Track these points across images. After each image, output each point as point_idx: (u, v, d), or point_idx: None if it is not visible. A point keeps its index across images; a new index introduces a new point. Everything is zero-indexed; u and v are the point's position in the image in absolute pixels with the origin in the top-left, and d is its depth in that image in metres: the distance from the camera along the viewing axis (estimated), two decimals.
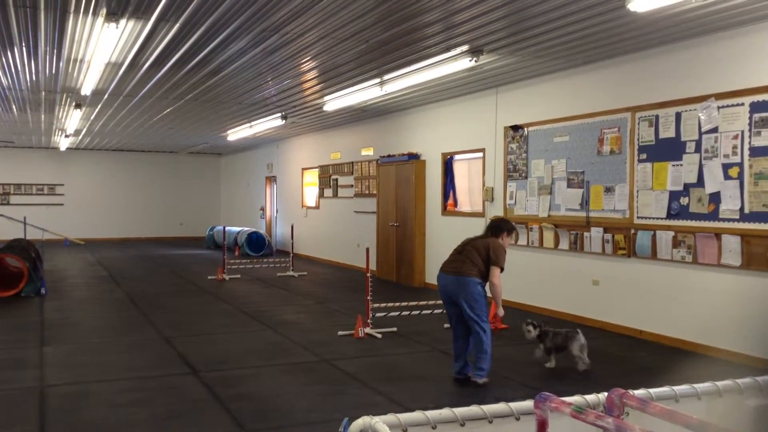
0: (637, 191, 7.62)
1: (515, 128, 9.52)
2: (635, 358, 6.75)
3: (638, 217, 7.62)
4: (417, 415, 2.71)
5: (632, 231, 7.69)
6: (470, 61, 7.78)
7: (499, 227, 6.12)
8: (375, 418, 2.59)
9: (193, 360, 6.49)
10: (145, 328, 8.07)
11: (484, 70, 8.78)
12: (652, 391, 2.68)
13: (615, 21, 6.45)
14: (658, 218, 7.37)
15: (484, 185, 10.30)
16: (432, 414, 2.75)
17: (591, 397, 2.66)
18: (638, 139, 7.61)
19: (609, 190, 8.00)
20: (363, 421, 2.59)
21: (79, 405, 5.10)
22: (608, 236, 8.01)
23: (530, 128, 9.29)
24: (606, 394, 2.47)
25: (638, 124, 7.61)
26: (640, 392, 2.62)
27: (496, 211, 10.00)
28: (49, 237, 21.18)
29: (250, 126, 15.21)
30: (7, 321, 8.51)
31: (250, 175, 22.28)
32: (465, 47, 7.55)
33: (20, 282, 10.32)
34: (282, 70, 9.02)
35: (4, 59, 8.39)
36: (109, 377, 5.92)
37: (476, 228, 10.35)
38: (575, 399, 2.52)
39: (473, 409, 2.84)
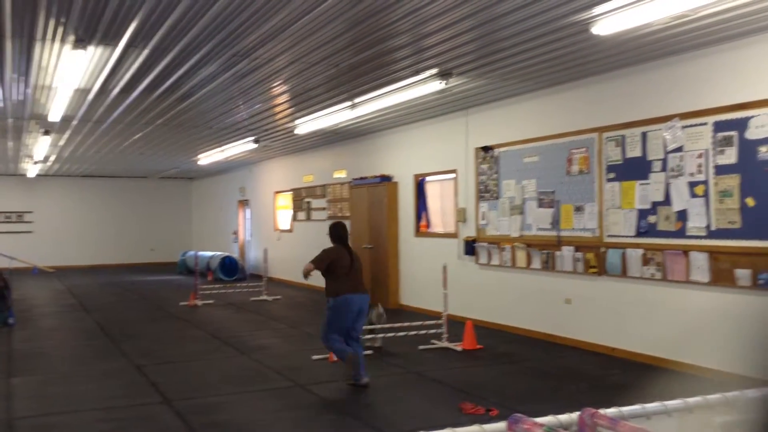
0: (606, 210, 7.73)
1: (486, 149, 9.62)
2: (608, 376, 6.80)
3: (608, 236, 7.73)
4: None
5: (602, 249, 7.79)
6: (440, 83, 7.87)
7: (347, 234, 7.10)
8: None
9: (165, 388, 6.39)
10: (116, 357, 7.94)
11: (453, 93, 8.89)
12: (624, 409, 2.71)
13: (580, 44, 6.58)
14: (627, 236, 7.48)
15: (456, 206, 10.37)
16: None
17: (564, 417, 2.68)
18: (606, 159, 7.74)
19: (579, 209, 8.11)
20: None
21: None
22: (579, 255, 8.10)
23: (500, 149, 9.41)
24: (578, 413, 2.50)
25: (605, 144, 7.75)
26: (611, 411, 2.65)
27: (469, 231, 10.06)
28: (17, 265, 20.72)
29: (222, 150, 15.15)
30: None
31: (222, 199, 22.14)
32: (434, 70, 7.64)
33: None
34: (253, 94, 9.03)
35: None
36: (79, 408, 5.80)
37: (449, 248, 10.42)
38: (548, 419, 2.54)
39: None
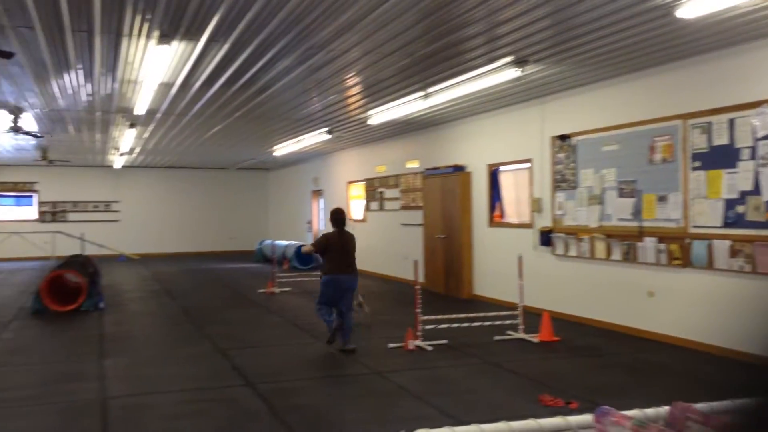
0: (692, 200, 7.46)
1: (563, 138, 9.44)
2: (694, 372, 6.59)
3: (693, 226, 7.46)
4: (472, 429, 2.72)
5: (687, 240, 7.53)
6: (515, 71, 7.77)
7: (345, 219, 8.01)
8: (431, 430, 2.61)
9: (247, 372, 6.60)
10: (200, 341, 8.25)
11: (529, 80, 8.75)
12: (714, 404, 2.64)
13: (663, 28, 6.36)
14: (713, 227, 7.21)
15: (531, 196, 10.23)
16: (487, 427, 2.75)
17: (651, 412, 2.63)
18: (691, 147, 7.47)
19: (662, 198, 7.86)
20: None
21: (140, 416, 5.25)
22: (662, 246, 7.85)
23: (578, 137, 9.20)
24: (667, 408, 2.44)
25: (690, 131, 7.47)
26: (701, 406, 2.58)
27: (544, 221, 9.91)
28: (106, 252, 21.81)
29: (297, 141, 15.42)
30: (68, 335, 8.80)
31: (296, 189, 22.56)
32: (510, 58, 7.54)
33: (79, 297, 10.66)
34: (327, 85, 9.16)
35: (61, 81, 8.72)
36: (167, 389, 6.07)
37: (524, 239, 10.30)
38: (635, 413, 2.50)
39: (530, 423, 2.83)
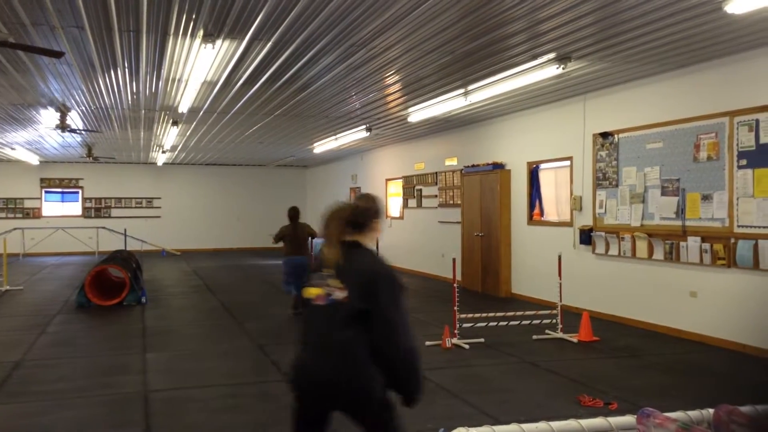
0: (737, 199, 7.29)
1: (605, 135, 9.30)
2: (737, 374, 6.44)
3: (738, 226, 7.29)
4: (512, 428, 2.71)
5: (732, 240, 7.36)
6: (557, 68, 7.69)
7: (298, 215, 10.44)
8: (471, 429, 2.61)
9: (286, 368, 6.65)
10: (240, 336, 8.37)
11: (571, 77, 8.65)
12: (760, 407, 2.59)
13: (711, 24, 6.22)
14: (760, 227, 7.03)
15: (572, 194, 10.11)
16: (528, 427, 2.74)
17: (695, 413, 2.59)
18: (737, 145, 7.29)
19: (706, 197, 7.69)
20: None
21: (181, 410, 5.35)
22: (706, 246, 7.69)
23: (621, 135, 9.06)
24: (712, 410, 2.40)
25: (737, 129, 7.29)
26: (746, 409, 2.53)
27: (585, 220, 9.79)
28: (148, 248, 22.25)
29: (336, 138, 15.51)
30: (111, 328, 9.01)
31: (335, 186, 22.68)
32: (552, 55, 7.46)
33: (122, 291, 10.91)
34: (367, 83, 9.19)
35: (107, 80, 8.92)
36: (208, 383, 6.18)
37: (564, 237, 10.18)
38: (679, 415, 2.46)
39: (571, 424, 2.81)
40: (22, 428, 4.93)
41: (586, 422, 2.82)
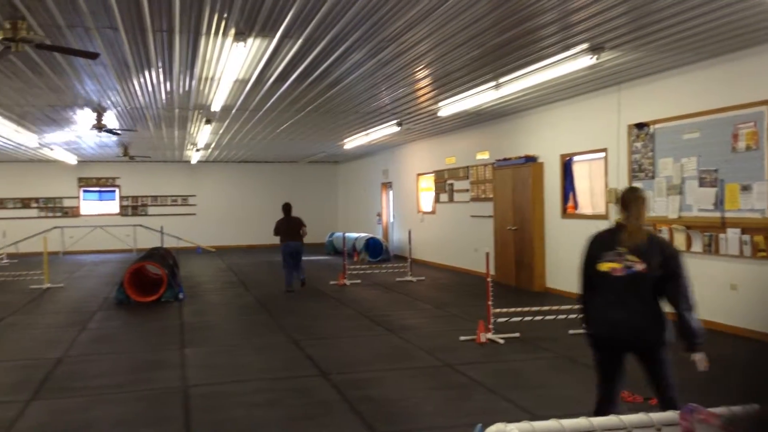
0: None
1: (640, 126, 9.15)
2: None
3: None
4: (552, 424, 2.69)
5: None
6: (590, 59, 7.58)
7: (291, 209, 12.99)
8: (509, 425, 2.60)
9: (321, 363, 6.72)
10: (275, 332, 8.44)
11: (605, 68, 8.52)
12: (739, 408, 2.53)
13: (747, 11, 6.07)
14: None
15: (606, 186, 9.97)
16: (568, 423, 2.72)
17: (738, 409, 2.54)
18: None
19: (746, 188, 7.52)
20: (497, 427, 2.59)
21: (219, 404, 5.43)
22: (746, 237, 7.52)
23: (656, 125, 8.91)
24: (756, 406, 2.35)
25: None
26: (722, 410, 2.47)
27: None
28: (184, 245, 22.58)
29: (366, 134, 15.53)
30: (150, 324, 9.16)
31: (366, 181, 22.72)
32: (585, 45, 7.36)
33: (160, 288, 11.08)
34: (397, 78, 9.17)
35: (142, 80, 9.05)
36: (244, 378, 6.25)
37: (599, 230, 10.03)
38: (723, 411, 2.42)
39: (611, 419, 2.78)
40: (64, 424, 5.05)
41: (626, 418, 2.79)
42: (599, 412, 3.87)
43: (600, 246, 3.97)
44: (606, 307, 3.85)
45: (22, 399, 5.63)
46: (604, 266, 3.86)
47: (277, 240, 12.71)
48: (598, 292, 3.91)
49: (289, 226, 12.49)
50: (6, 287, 13.35)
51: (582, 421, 2.74)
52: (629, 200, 4.01)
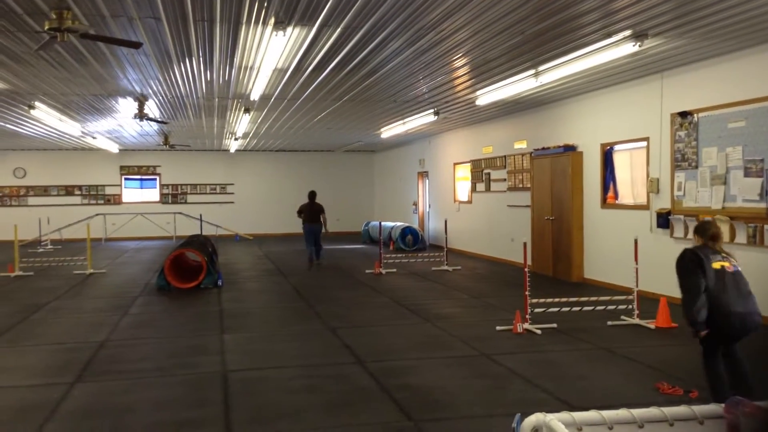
0: None
1: (683, 115, 8.96)
2: None
3: None
4: (592, 415, 2.66)
5: None
6: (633, 46, 7.43)
7: (315, 196, 15.20)
8: (549, 415, 2.58)
9: (357, 350, 6.77)
10: (312, 319, 8.52)
11: (648, 55, 8.34)
12: None
13: None
14: None
15: (648, 176, 9.79)
16: (608, 414, 2.69)
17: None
18: None
19: None
20: (536, 417, 2.58)
21: (258, 389, 5.50)
22: None
23: (700, 114, 8.70)
24: None
25: None
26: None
27: (662, 203, 9.47)
28: (222, 233, 22.90)
29: (403, 123, 15.50)
30: (190, 310, 9.33)
31: (402, 170, 22.70)
32: (627, 32, 7.22)
33: (200, 274, 11.26)
34: (435, 67, 9.13)
35: (182, 69, 9.17)
36: (282, 364, 6.33)
37: (640, 221, 9.89)
38: None
39: (652, 411, 2.74)
40: (107, 406, 5.17)
41: (668, 410, 2.75)
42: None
43: (707, 250, 4.78)
44: (727, 298, 4.60)
45: (67, 381, 5.80)
46: (718, 264, 4.67)
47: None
48: (720, 288, 4.60)
49: (311, 211, 14.67)
50: (51, 272, 13.72)
51: (623, 413, 2.72)
52: (715, 227, 5.04)
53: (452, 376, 5.85)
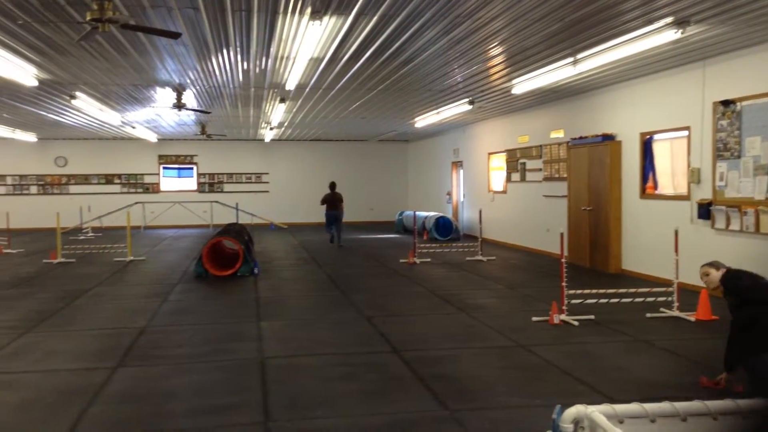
0: None
1: (726, 103, 8.74)
2: None
3: None
4: (634, 407, 2.64)
5: None
6: (675, 33, 7.27)
7: (335, 186, 17.25)
8: (590, 407, 2.56)
9: (392, 339, 6.79)
10: (347, 308, 8.57)
11: (690, 42, 8.16)
12: None
13: None
14: None
15: (689, 166, 9.60)
16: (651, 407, 2.66)
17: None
18: None
19: None
20: (577, 409, 2.57)
21: (295, 376, 5.56)
22: None
23: (744, 103, 8.49)
24: None
25: None
26: None
27: (703, 193, 9.28)
28: (257, 221, 23.13)
29: (438, 112, 15.43)
30: (228, 298, 9.46)
31: (436, 160, 22.63)
32: (669, 19, 7.06)
33: (236, 262, 11.40)
34: (470, 56, 9.06)
35: (220, 59, 9.26)
36: (318, 352, 6.38)
37: (680, 211, 9.71)
38: None
39: (696, 404, 2.70)
40: (147, 390, 5.28)
41: (712, 404, 2.71)
42: None
43: None
44: None
45: (110, 366, 5.93)
46: None
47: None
48: None
49: (333, 199, 16.81)
50: (92, 259, 14.02)
51: (666, 406, 2.69)
52: None
53: (488, 367, 5.83)
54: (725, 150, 8.83)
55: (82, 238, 19.39)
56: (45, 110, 14.65)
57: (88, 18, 6.09)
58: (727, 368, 4.97)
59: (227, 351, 6.46)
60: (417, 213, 19.34)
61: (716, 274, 5.18)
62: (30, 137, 21.00)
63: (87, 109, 13.84)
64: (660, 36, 7.46)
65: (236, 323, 7.71)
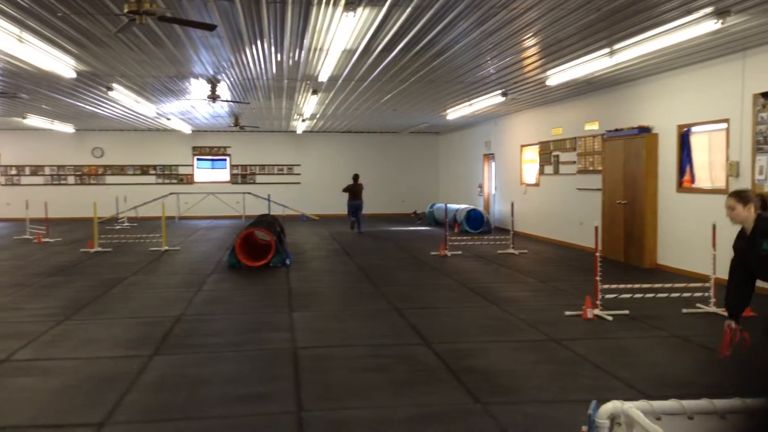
0: None
1: (767, 95, 8.53)
2: None
3: None
4: (672, 404, 2.60)
5: None
6: (715, 23, 7.11)
7: (358, 177, 19.31)
8: (627, 403, 2.53)
9: (423, 331, 6.79)
10: (378, 299, 8.59)
11: (730, 33, 7.97)
12: None
13: None
14: None
15: (727, 159, 9.39)
16: (689, 404, 2.62)
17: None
18: None
19: None
20: (613, 405, 2.54)
21: (327, 367, 5.60)
22: None
23: None
24: None
25: None
26: None
27: (743, 187, 9.07)
28: (289, 213, 23.29)
29: (470, 104, 15.34)
30: (260, 288, 9.55)
31: (467, 152, 22.51)
32: (709, 9, 6.91)
33: (268, 253, 11.50)
34: (504, 47, 8.98)
35: (254, 51, 9.32)
36: (350, 343, 6.41)
37: (718, 205, 9.50)
38: None
39: (734, 402, 2.65)
40: (182, 377, 5.36)
41: (752, 402, 2.65)
42: None
43: None
44: None
45: (146, 353, 6.03)
46: None
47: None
48: None
49: (355, 190, 18.57)
50: (128, 249, 14.27)
51: (704, 403, 2.65)
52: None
53: (520, 360, 5.80)
54: (765, 143, 8.63)
55: (118, 227, 19.74)
56: (83, 102, 14.92)
57: (125, 10, 6.18)
58: (736, 314, 4.69)
59: (260, 341, 6.53)
60: (448, 205, 19.28)
61: (742, 211, 4.78)
62: (68, 128, 21.42)
63: (123, 100, 14.05)
64: (699, 26, 7.30)
65: (269, 313, 7.78)
